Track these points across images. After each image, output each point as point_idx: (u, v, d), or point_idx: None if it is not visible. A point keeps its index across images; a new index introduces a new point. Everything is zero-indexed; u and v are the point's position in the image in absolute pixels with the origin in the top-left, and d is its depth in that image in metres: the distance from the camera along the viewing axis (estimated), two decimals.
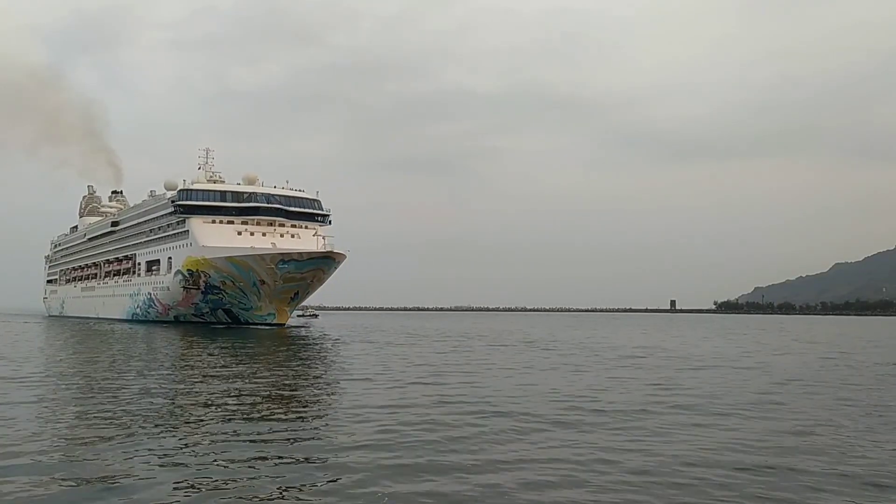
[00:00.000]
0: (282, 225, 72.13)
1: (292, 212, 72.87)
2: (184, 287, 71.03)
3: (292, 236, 71.92)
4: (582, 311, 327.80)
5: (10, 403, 16.09)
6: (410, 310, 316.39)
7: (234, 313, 69.20)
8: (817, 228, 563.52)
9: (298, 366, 27.82)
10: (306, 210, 74.13)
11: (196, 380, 21.70)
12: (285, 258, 62.76)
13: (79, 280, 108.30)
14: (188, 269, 69.87)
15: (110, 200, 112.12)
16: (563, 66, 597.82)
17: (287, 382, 21.38)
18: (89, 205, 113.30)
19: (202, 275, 68.40)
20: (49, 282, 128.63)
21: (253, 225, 71.09)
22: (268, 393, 18.62)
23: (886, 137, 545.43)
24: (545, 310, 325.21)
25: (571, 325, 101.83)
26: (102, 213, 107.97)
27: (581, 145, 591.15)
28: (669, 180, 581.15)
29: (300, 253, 63.35)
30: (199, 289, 69.63)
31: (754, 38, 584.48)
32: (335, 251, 64.27)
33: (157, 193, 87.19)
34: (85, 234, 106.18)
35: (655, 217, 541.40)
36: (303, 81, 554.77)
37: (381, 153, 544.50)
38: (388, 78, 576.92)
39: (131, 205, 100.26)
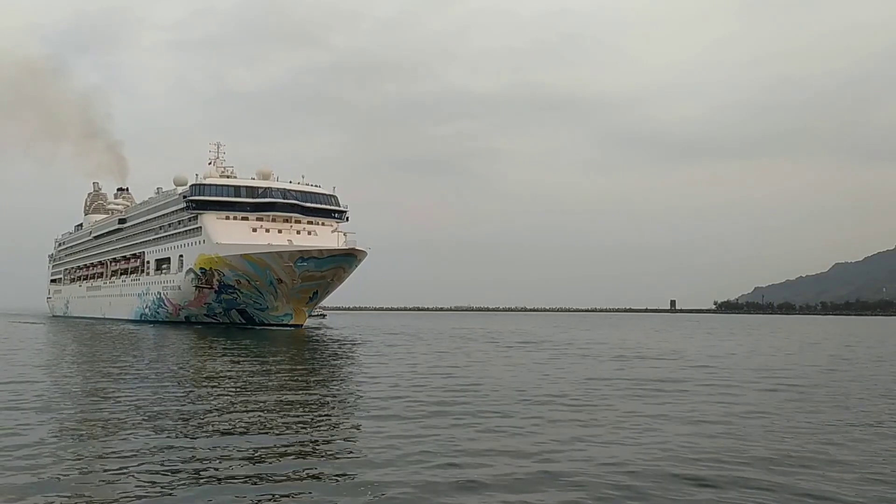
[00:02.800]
0: (298, 221, 67.99)
1: (309, 208, 68.77)
2: (196, 286, 66.89)
3: (309, 233, 67.83)
4: (582, 311, 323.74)
5: (14, 410, 14.92)
6: (410, 310, 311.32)
7: (248, 314, 65.13)
8: (817, 228, 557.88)
9: (326, 372, 25.31)
10: (323, 206, 70.07)
11: (214, 387, 19.69)
12: (304, 255, 58.69)
13: (84, 279, 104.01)
14: (201, 268, 65.74)
15: (116, 197, 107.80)
16: (562, 67, 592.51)
17: (314, 392, 19.12)
18: (95, 202, 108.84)
19: (216, 273, 64.30)
20: (53, 281, 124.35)
21: (268, 221, 66.94)
22: (293, 405, 16.52)
23: (886, 137, 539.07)
24: (545, 310, 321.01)
25: (589, 325, 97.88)
26: (109, 210, 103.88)
27: (581, 145, 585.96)
28: (669, 180, 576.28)
29: (320, 250, 59.37)
30: (212, 288, 65.51)
31: (753, 38, 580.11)
32: (357, 248, 60.33)
33: (163, 190, 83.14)
34: (90, 232, 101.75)
35: (655, 217, 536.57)
36: (303, 82, 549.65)
37: (381, 153, 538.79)
38: (387, 78, 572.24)
39: (138, 202, 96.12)
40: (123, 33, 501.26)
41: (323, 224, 69.41)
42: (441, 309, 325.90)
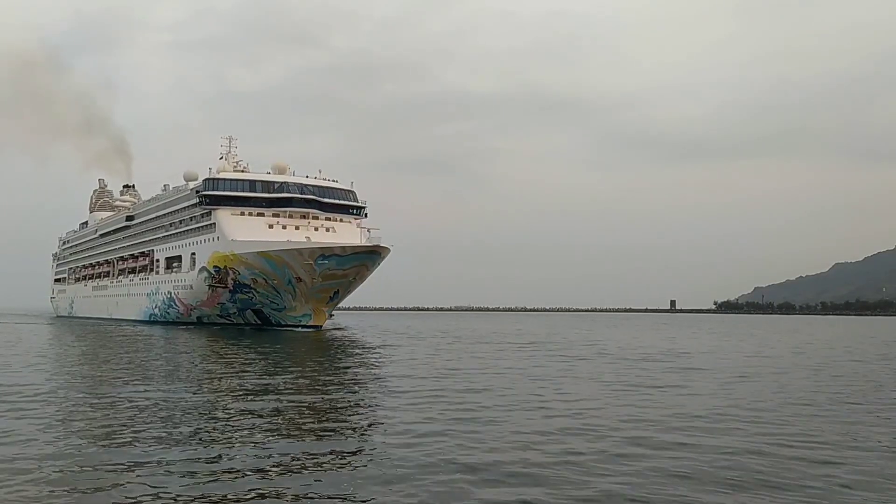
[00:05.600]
0: (315, 217, 63.78)
1: (326, 203, 64.61)
2: (209, 285, 62.78)
3: (327, 230, 63.65)
4: (582, 311, 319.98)
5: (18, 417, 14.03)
6: (410, 310, 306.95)
7: (264, 314, 61.12)
8: (817, 228, 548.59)
9: (359, 379, 22.78)
10: (341, 202, 65.97)
11: (231, 394, 18.13)
12: (326, 253, 54.73)
13: (89, 278, 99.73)
14: (215, 266, 61.62)
15: (122, 195, 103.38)
16: (562, 68, 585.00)
17: (348, 402, 17.31)
18: (100, 199, 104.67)
19: (231, 272, 60.22)
20: (57, 280, 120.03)
21: (285, 217, 62.82)
22: (315, 413, 15.19)
23: (886, 137, 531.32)
24: (545, 310, 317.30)
25: (609, 326, 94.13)
26: (115, 207, 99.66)
27: (581, 146, 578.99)
28: (669, 180, 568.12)
29: (343, 247, 55.39)
30: (226, 287, 61.41)
31: (753, 39, 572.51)
32: (381, 245, 56.44)
33: (171, 187, 79.10)
34: (96, 230, 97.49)
35: (655, 217, 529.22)
36: (303, 82, 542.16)
37: (381, 154, 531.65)
38: (387, 79, 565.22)
39: (145, 199, 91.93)
40: (123, 34, 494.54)
41: (341, 220, 65.39)
42: (441, 309, 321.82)
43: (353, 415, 15.44)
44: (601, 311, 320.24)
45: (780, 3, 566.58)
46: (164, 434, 12.29)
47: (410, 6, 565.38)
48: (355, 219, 66.51)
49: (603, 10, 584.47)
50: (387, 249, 56.78)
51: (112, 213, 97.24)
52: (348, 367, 26.70)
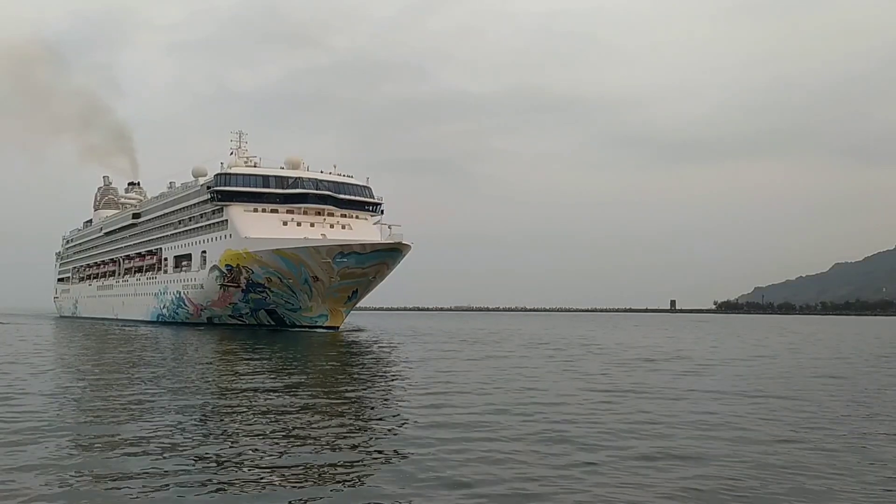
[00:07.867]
0: (331, 214, 60.68)
1: (342, 199, 61.44)
2: (221, 285, 59.56)
3: (343, 227, 60.49)
4: (582, 311, 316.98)
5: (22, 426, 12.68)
6: (410, 310, 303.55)
7: (278, 314, 57.96)
8: (817, 228, 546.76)
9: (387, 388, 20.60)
10: (357, 198, 62.77)
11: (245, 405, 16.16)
12: (345, 251, 51.61)
13: (94, 278, 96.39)
14: (227, 265, 58.40)
15: (127, 192, 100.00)
16: (562, 68, 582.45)
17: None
18: (105, 197, 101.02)
19: (244, 270, 57.01)
20: (60, 280, 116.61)
21: (299, 214, 59.72)
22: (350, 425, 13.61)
23: (886, 137, 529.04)
24: (545, 310, 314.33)
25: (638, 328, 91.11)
26: (121, 205, 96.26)
27: (581, 146, 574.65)
28: (669, 180, 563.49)
29: (362, 245, 52.22)
30: (238, 286, 58.20)
31: (753, 39, 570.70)
32: (402, 242, 53.31)
33: (177, 184, 75.85)
34: (101, 229, 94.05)
35: (655, 217, 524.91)
36: (302, 83, 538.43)
37: (381, 154, 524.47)
38: (387, 79, 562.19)
39: (151, 196, 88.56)
40: (123, 34, 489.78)
41: (357, 217, 62.29)
42: (441, 309, 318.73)
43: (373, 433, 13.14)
44: (601, 311, 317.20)
45: (782, 2, 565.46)
46: (168, 444, 11.41)
47: (410, 6, 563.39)
48: (371, 215, 63.52)
49: (603, 10, 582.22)
50: (408, 247, 53.76)
51: (117, 211, 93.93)
52: (370, 374, 24.18)
